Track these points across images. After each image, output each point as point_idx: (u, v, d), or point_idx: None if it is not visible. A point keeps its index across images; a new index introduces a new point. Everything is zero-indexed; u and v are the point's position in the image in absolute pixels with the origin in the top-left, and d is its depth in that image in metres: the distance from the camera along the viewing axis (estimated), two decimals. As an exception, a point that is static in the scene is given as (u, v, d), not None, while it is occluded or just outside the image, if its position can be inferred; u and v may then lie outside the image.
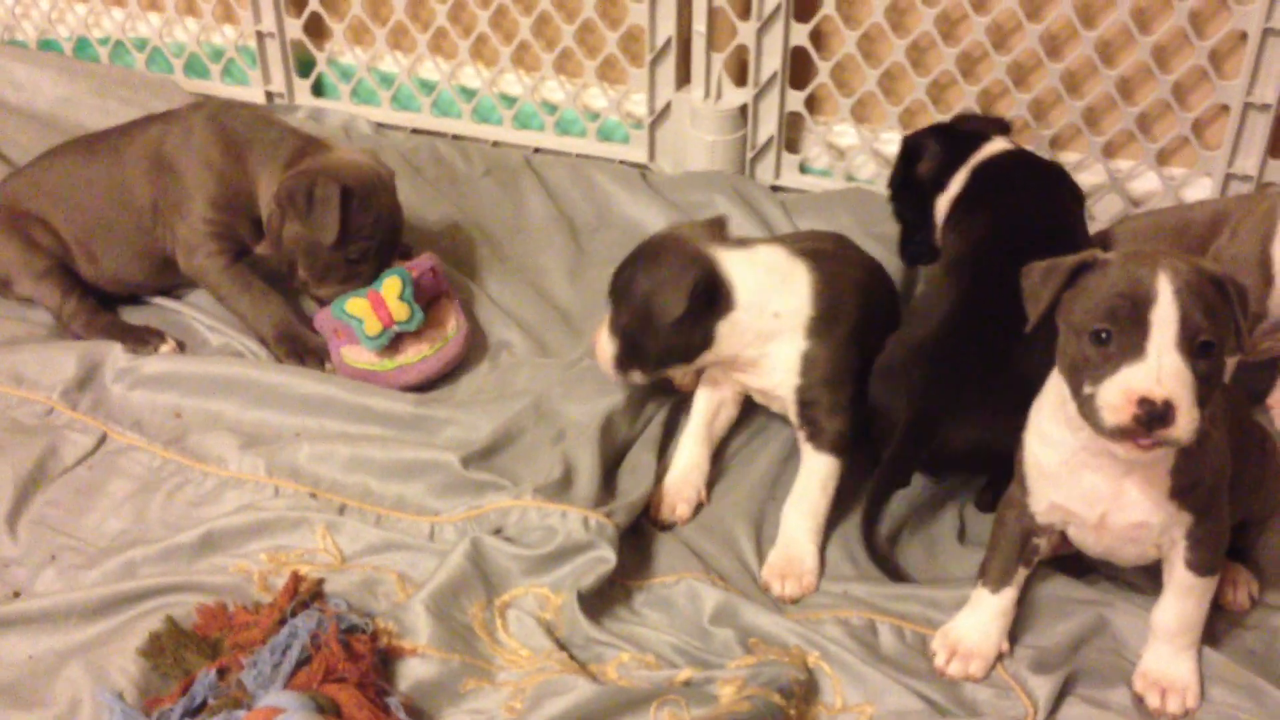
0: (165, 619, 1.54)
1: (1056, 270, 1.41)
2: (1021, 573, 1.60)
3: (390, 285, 1.98)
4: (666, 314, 1.72)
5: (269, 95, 2.83)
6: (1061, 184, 2.03)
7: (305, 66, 2.82)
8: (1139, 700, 1.54)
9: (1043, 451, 1.51)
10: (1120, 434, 1.32)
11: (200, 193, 2.08)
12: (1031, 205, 1.95)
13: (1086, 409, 1.36)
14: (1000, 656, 1.59)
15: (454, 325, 2.06)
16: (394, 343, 2.00)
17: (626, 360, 1.80)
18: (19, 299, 2.14)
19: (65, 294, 2.10)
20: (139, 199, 2.13)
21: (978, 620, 1.60)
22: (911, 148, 2.15)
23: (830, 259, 1.88)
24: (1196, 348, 1.32)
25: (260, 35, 2.75)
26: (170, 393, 1.97)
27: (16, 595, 1.63)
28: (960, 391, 1.72)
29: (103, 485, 1.81)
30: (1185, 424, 1.30)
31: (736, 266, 1.77)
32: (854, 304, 1.84)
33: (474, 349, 2.09)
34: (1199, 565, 1.51)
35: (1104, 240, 2.02)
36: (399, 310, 1.98)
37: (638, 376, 1.83)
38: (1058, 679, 1.54)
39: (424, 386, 2.02)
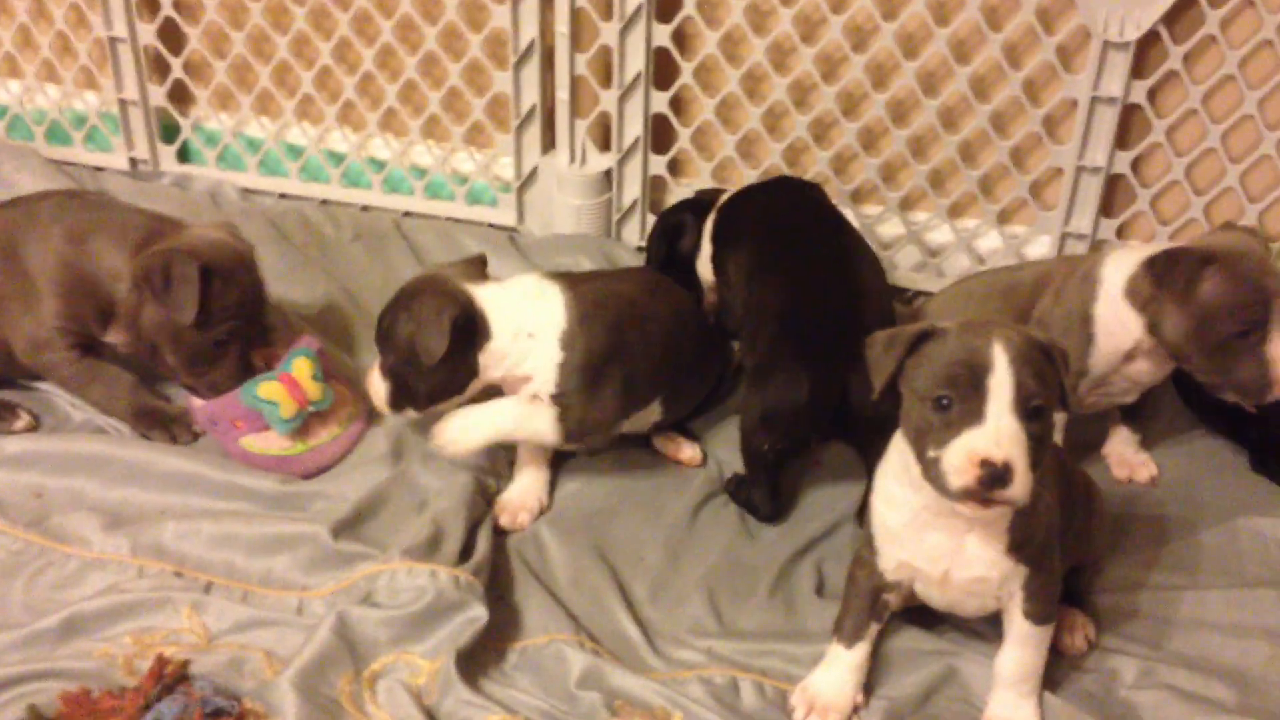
0: (28, 708, 1.53)
1: (898, 340, 1.52)
2: (873, 627, 1.68)
3: (300, 366, 1.99)
4: (430, 354, 1.85)
5: (133, 162, 2.85)
6: (789, 184, 2.28)
7: (170, 132, 2.85)
8: (985, 748, 1.63)
9: (889, 513, 1.60)
10: (964, 494, 1.42)
11: (49, 288, 2.04)
12: (780, 207, 2.18)
13: (931, 472, 1.45)
14: (855, 709, 1.67)
15: (354, 401, 2.08)
16: (304, 424, 2.01)
17: (399, 399, 1.95)
18: None
19: None
20: None
21: (834, 675, 1.68)
22: (671, 226, 2.35)
23: (588, 279, 2.07)
24: (1030, 411, 1.43)
25: (123, 103, 2.77)
26: (30, 472, 1.96)
27: None
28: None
29: None
30: (1021, 484, 1.41)
31: (490, 299, 1.92)
32: (612, 314, 1.96)
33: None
34: (1035, 615, 1.61)
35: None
36: (313, 390, 1.99)
37: (412, 413, 1.96)
38: (907, 729, 1.62)
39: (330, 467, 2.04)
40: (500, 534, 1.92)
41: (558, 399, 1.91)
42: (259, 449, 2.01)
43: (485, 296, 1.92)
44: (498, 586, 1.83)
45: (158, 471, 1.96)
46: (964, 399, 1.43)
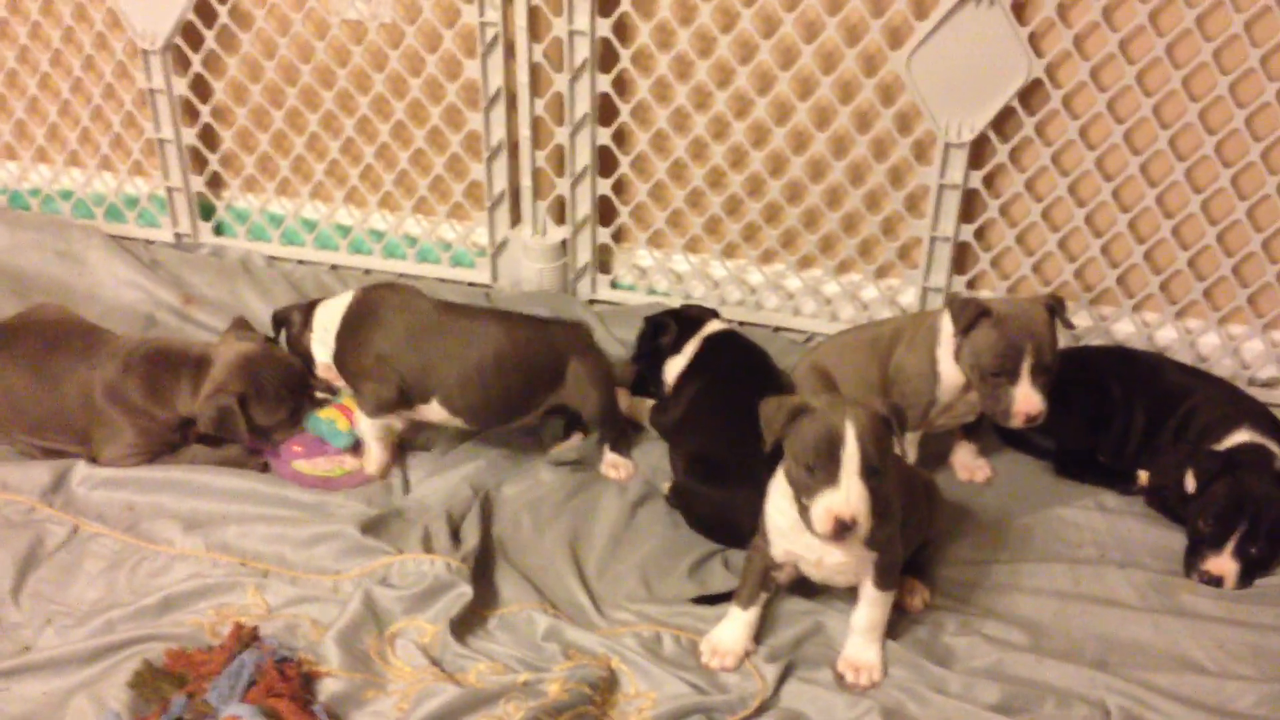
0: (142, 661, 1.97)
1: (781, 409, 1.89)
2: (763, 596, 2.09)
3: (347, 400, 2.49)
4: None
5: (178, 236, 3.29)
6: (755, 352, 2.63)
7: (208, 211, 3.30)
8: (840, 678, 2.03)
9: (778, 517, 1.99)
10: (824, 537, 1.86)
11: (130, 430, 2.46)
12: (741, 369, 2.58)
13: (803, 515, 1.88)
14: (747, 654, 2.07)
15: None
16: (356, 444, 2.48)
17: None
18: None
19: None
20: (74, 424, 2.47)
21: (732, 629, 2.08)
22: (658, 325, 2.67)
23: (382, 289, 2.50)
24: (870, 471, 1.83)
25: (169, 189, 3.22)
26: (122, 491, 2.39)
27: (26, 650, 2.07)
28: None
29: (80, 564, 2.24)
30: (864, 529, 1.84)
31: (322, 307, 2.51)
32: (383, 318, 2.41)
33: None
34: (881, 584, 2.02)
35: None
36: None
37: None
38: (782, 665, 2.04)
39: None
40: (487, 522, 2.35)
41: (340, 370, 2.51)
42: (308, 470, 2.43)
43: (322, 304, 2.52)
44: (484, 568, 2.23)
45: (219, 488, 2.39)
46: (824, 466, 1.82)
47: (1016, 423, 2.27)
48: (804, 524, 1.89)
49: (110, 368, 2.47)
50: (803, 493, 1.88)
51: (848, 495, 1.83)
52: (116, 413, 2.46)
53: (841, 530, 1.84)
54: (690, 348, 2.63)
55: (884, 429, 1.88)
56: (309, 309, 2.57)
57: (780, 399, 1.94)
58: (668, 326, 2.66)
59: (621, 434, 2.60)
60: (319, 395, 2.54)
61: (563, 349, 2.48)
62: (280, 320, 2.63)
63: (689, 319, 2.68)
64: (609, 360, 2.60)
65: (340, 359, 2.47)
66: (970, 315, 2.28)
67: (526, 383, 2.44)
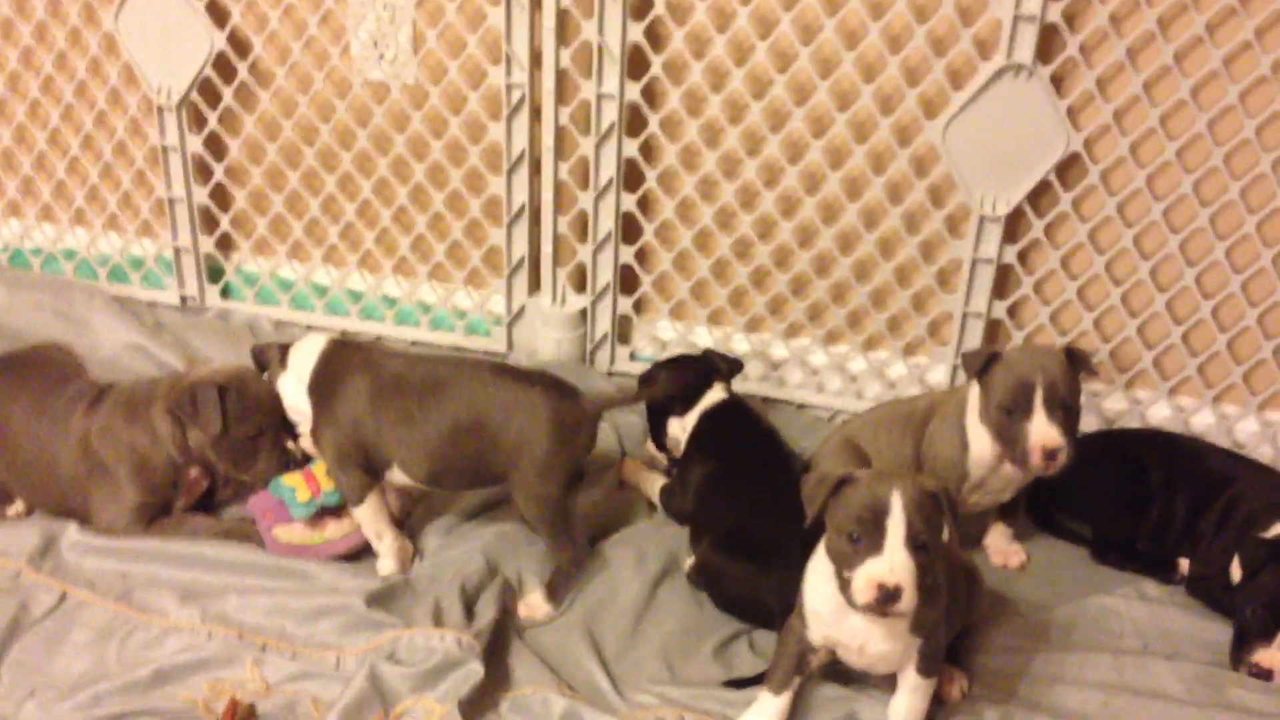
0: None
1: (825, 482, 1.85)
2: (796, 680, 2.01)
3: (320, 465, 2.37)
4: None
5: (183, 299, 3.24)
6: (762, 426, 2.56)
7: (215, 273, 3.25)
8: (876, 772, 1.99)
9: (817, 601, 1.93)
10: (866, 608, 1.78)
11: (129, 485, 2.37)
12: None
13: (844, 588, 1.81)
14: None
15: None
16: (321, 517, 2.35)
17: None
18: None
19: None
20: (64, 472, 2.39)
21: (761, 716, 2.00)
22: (684, 368, 2.59)
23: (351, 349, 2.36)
24: (918, 545, 1.77)
25: (177, 250, 3.18)
26: (115, 561, 2.31)
27: None
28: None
29: (67, 634, 2.16)
30: (908, 601, 1.77)
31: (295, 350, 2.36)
32: (354, 386, 2.28)
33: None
34: (924, 670, 1.95)
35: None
36: (326, 484, 2.34)
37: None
38: (816, 758, 1.99)
39: (349, 558, 2.36)
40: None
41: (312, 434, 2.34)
42: (285, 538, 2.34)
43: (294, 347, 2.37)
44: (497, 647, 2.15)
45: (219, 560, 2.31)
46: (868, 535, 1.77)
47: (1035, 460, 2.21)
48: (845, 600, 1.82)
49: (103, 411, 2.41)
50: (844, 565, 1.81)
51: (892, 563, 1.76)
52: (112, 458, 2.38)
53: (885, 600, 1.76)
54: (692, 418, 2.56)
55: (933, 504, 1.82)
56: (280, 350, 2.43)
57: (822, 473, 1.89)
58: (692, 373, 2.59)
59: (565, 560, 2.32)
60: (294, 449, 2.41)
61: (515, 427, 2.22)
62: (258, 357, 2.46)
63: (695, 373, 2.60)
64: (579, 444, 2.29)
65: (315, 433, 2.35)
66: (981, 359, 2.29)
67: (478, 456, 2.25)
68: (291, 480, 2.37)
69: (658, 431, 2.64)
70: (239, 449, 2.37)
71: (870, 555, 1.78)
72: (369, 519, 2.34)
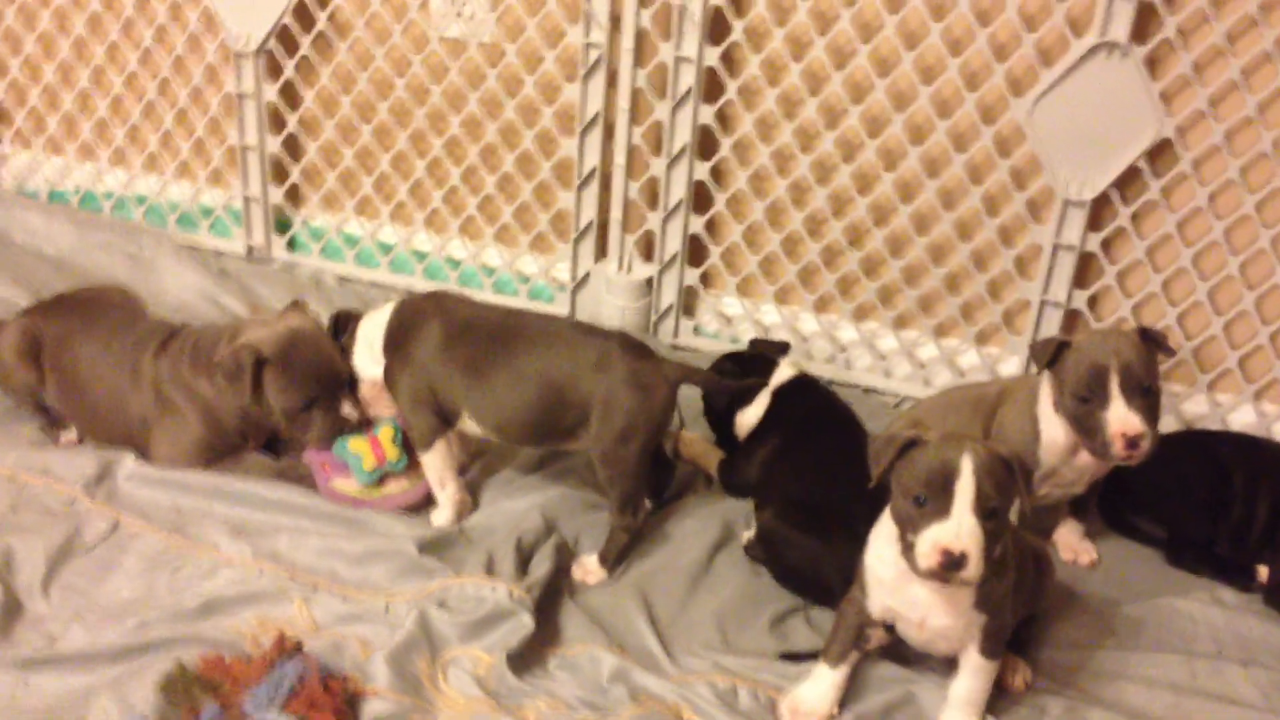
0: (175, 663, 1.87)
1: (892, 443, 1.79)
2: (854, 655, 1.96)
3: (386, 432, 2.35)
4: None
5: (249, 249, 3.24)
6: (836, 403, 2.49)
7: (283, 225, 3.25)
8: (933, 754, 1.92)
9: (879, 567, 1.87)
10: (929, 574, 1.72)
11: (197, 426, 2.36)
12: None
13: (907, 552, 1.75)
14: (830, 718, 1.95)
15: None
16: (382, 480, 2.34)
17: None
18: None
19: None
20: (133, 412, 2.38)
21: (817, 689, 1.96)
22: (754, 359, 2.51)
23: (421, 299, 2.34)
24: (987, 511, 1.71)
25: (247, 199, 3.18)
26: (170, 493, 2.30)
27: (53, 642, 1.97)
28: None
29: (118, 562, 2.15)
30: (974, 569, 1.71)
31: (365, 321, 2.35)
32: (427, 331, 2.25)
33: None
34: (988, 652, 1.89)
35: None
36: (391, 452, 2.33)
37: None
38: (872, 737, 1.94)
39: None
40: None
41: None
42: (342, 489, 2.34)
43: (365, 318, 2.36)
44: (547, 605, 2.11)
45: (273, 499, 2.29)
46: (935, 498, 1.71)
47: (1117, 449, 2.11)
48: (908, 566, 1.76)
49: (171, 356, 2.39)
50: (909, 528, 1.76)
51: (959, 528, 1.70)
52: (183, 401, 2.36)
53: (949, 567, 1.70)
54: (764, 399, 2.46)
55: (1005, 471, 1.75)
56: (356, 320, 2.40)
57: (891, 434, 1.83)
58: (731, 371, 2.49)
59: (624, 525, 2.26)
60: (351, 415, 2.36)
61: (590, 383, 2.16)
62: (338, 323, 2.43)
63: (756, 362, 2.51)
64: (658, 405, 2.18)
65: (389, 376, 2.32)
66: (1050, 349, 2.18)
67: (549, 410, 2.20)
68: (358, 447, 2.34)
69: (726, 426, 2.52)
70: (290, 414, 2.32)
71: (936, 519, 1.72)
72: (435, 465, 2.31)
